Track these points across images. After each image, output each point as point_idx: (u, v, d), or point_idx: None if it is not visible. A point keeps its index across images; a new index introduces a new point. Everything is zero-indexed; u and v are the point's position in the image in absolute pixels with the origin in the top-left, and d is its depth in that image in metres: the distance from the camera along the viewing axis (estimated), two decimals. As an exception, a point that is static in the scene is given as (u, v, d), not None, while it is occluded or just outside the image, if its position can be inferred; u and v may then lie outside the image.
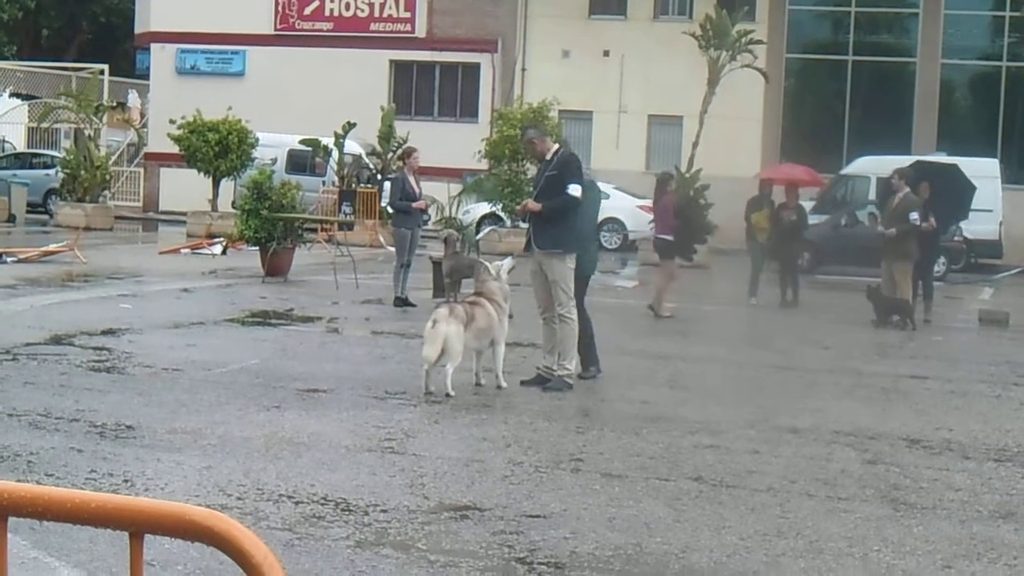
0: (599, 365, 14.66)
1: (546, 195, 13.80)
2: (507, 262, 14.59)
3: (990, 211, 32.33)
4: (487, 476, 9.68)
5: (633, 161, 43.46)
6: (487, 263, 14.89)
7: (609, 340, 17.42)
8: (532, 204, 13.95)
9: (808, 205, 30.59)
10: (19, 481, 8.02)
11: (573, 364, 13.95)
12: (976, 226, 29.21)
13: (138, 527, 2.40)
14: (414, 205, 21.32)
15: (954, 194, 23.96)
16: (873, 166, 36.21)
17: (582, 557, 7.71)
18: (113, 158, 44.23)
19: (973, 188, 24.97)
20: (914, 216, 21.36)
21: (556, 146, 14.34)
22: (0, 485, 2.50)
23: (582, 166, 14.32)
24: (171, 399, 12.11)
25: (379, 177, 37.79)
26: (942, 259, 30.00)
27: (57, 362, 14.00)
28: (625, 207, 39.16)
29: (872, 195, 35.70)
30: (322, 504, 8.62)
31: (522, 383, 13.82)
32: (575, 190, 13.64)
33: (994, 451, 11.57)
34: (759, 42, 37.09)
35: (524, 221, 14.85)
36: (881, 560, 7.93)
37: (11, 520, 2.55)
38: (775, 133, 44.27)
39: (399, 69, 46.79)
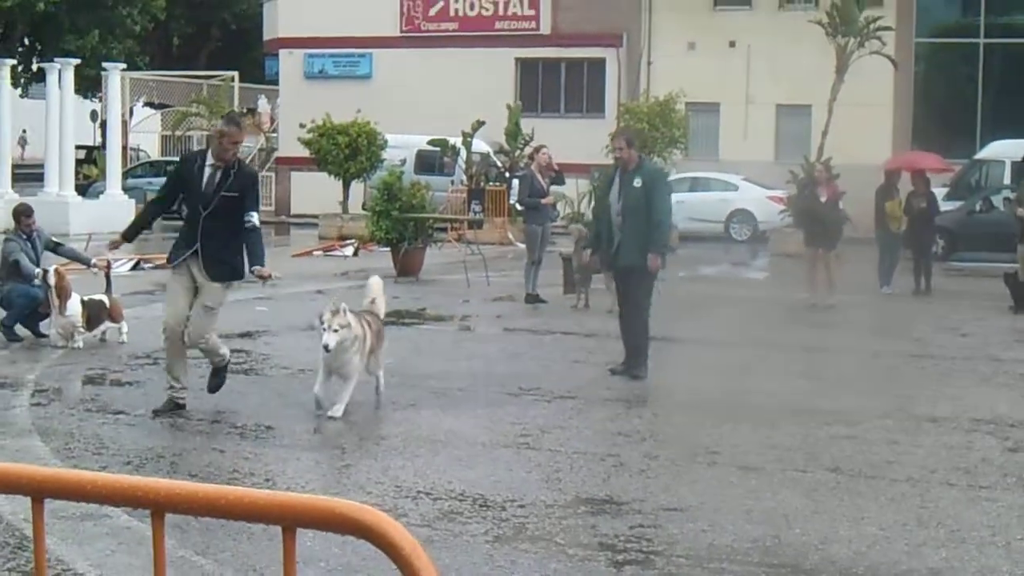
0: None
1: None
2: None
3: None
4: (623, 470, 9.71)
5: (762, 151, 43.13)
6: None
7: (742, 331, 17.39)
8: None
9: (941, 192, 30.19)
10: (165, 482, 8.21)
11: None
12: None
13: (289, 522, 2.47)
14: (543, 201, 21.40)
15: None
16: (1007, 150, 35.59)
17: (720, 549, 7.71)
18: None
19: None
20: (1052, 199, 21.04)
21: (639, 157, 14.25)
22: (155, 483, 2.58)
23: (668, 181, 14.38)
24: (309, 399, 12.25)
25: (507, 175, 37.89)
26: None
27: (196, 365, 14.22)
28: (755, 198, 38.93)
29: (1007, 179, 35.14)
30: (460, 500, 8.70)
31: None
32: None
33: None
34: (887, 28, 36.59)
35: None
36: (1025, 549, 7.84)
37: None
38: (906, 119, 43.67)
39: (525, 67, 46.86)
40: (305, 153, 38.48)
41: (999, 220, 29.20)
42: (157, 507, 2.56)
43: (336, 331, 11.32)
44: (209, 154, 11.44)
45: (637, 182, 13.77)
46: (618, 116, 38.62)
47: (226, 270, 11.49)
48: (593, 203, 14.79)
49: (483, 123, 37.21)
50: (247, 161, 44.13)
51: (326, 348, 11.33)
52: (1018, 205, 22.53)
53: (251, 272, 11.54)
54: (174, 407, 11.58)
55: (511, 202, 34.75)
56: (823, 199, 22.40)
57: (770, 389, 13.47)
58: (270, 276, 11.83)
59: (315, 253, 30.80)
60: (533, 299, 20.93)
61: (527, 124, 38.10)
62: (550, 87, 46.77)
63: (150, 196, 40.07)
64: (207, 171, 11.32)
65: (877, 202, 24.72)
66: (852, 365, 15.52)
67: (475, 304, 21.12)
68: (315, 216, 39.70)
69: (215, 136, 11.61)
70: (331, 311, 11.45)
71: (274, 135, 49.99)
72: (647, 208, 13.69)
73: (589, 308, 19.72)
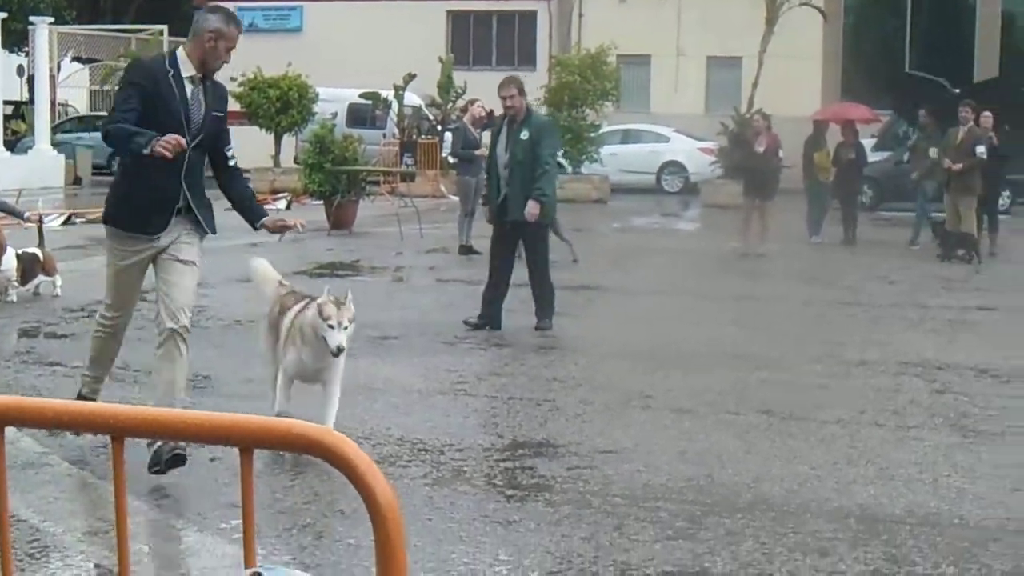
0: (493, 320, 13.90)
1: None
2: None
3: (1054, 142, 32.03)
4: (559, 415, 9.85)
5: (692, 104, 43.36)
6: None
7: (674, 280, 17.58)
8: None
9: (870, 142, 30.48)
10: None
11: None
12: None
13: (248, 442, 2.56)
14: (476, 152, 21.50)
15: None
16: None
17: (655, 489, 7.86)
18: (175, 117, 44.46)
19: None
20: (980, 149, 21.34)
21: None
22: (115, 409, 2.67)
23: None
24: (245, 350, 12.30)
25: (439, 128, 37.92)
26: (1006, 192, 29.81)
27: (133, 317, 14.23)
28: (686, 150, 39.17)
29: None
30: (399, 445, 8.81)
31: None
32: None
33: (1063, 378, 11.62)
34: (816, -21, 36.85)
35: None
36: (951, 485, 8.04)
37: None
38: (835, 71, 44.01)
39: (456, 20, 46.81)
40: (236, 107, 38.27)
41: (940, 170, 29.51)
42: (117, 431, 2.64)
43: (346, 328, 8.76)
44: (184, 63, 8.05)
45: (524, 134, 13.40)
46: (550, 69, 38.66)
47: (212, 216, 8.36)
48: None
49: (414, 76, 37.21)
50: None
51: (338, 351, 8.67)
52: (914, 153, 23.17)
53: (259, 226, 8.47)
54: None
55: (443, 155, 34.82)
56: (761, 149, 22.62)
57: (702, 336, 13.64)
58: (295, 226, 8.72)
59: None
60: (467, 250, 21.03)
61: (459, 77, 38.13)
62: (482, 40, 46.78)
63: (80, 152, 40.08)
64: (187, 86, 8.02)
65: (805, 153, 25.02)
66: (783, 312, 15.74)
67: (409, 256, 21.20)
68: (247, 170, 39.42)
69: (207, 38, 7.97)
70: (333, 302, 8.77)
71: (204, 89, 49.58)
72: (533, 161, 13.34)
73: (522, 258, 19.80)
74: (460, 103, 34.13)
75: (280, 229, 8.58)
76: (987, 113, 22.19)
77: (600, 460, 8.48)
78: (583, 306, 15.62)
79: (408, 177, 33.29)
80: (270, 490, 7.50)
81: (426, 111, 39.76)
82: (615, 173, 37.08)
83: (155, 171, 7.82)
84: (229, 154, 8.41)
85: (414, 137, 38.28)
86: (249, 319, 14.09)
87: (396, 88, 37.34)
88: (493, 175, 13.84)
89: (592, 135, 35.78)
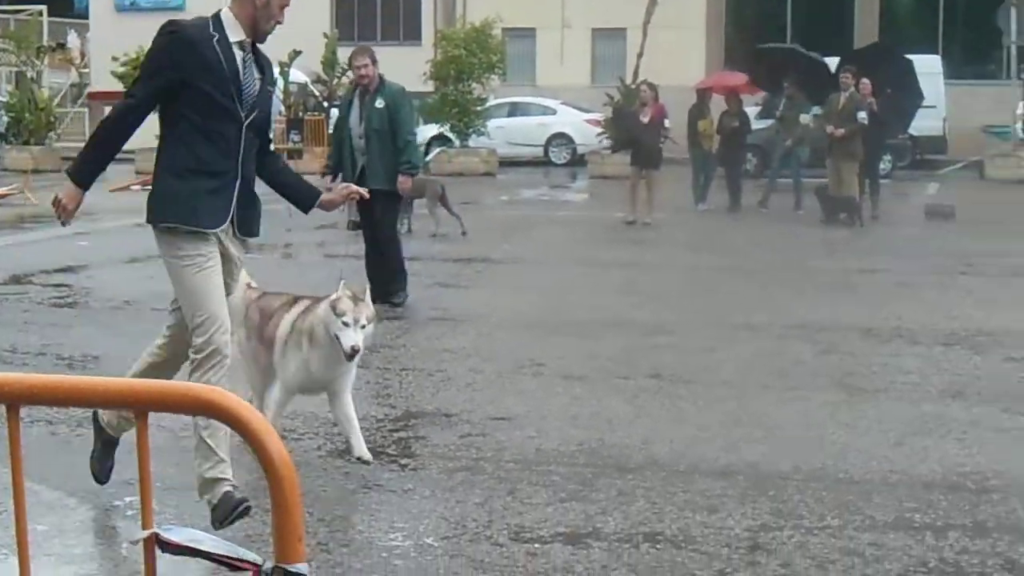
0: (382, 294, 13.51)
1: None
2: None
3: (934, 107, 32.61)
4: (451, 384, 9.94)
5: (579, 76, 43.55)
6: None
7: (563, 251, 17.71)
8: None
9: (754, 111, 30.82)
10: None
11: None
12: (920, 122, 29.65)
13: (143, 406, 2.61)
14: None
15: (907, 93, 24.64)
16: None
17: (547, 453, 7.98)
18: (57, 99, 43.94)
19: (921, 99, 25.53)
20: (862, 115, 21.70)
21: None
22: (13, 377, 2.70)
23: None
24: (134, 330, 12.21)
25: (325, 104, 37.77)
26: (887, 156, 30.31)
27: (19, 300, 14.13)
28: (573, 122, 39.34)
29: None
30: (291, 419, 8.82)
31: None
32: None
33: (942, 336, 11.91)
34: (698, -50, 37.14)
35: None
36: (836, 441, 8.24)
37: None
38: (718, 41, 44.38)
39: (340, -6, 46.60)
40: (120, 87, 37.81)
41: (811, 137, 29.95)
42: (12, 400, 2.67)
43: (364, 327, 7.65)
44: (232, 26, 6.65)
45: (379, 103, 13.36)
46: (435, 43, 38.63)
47: (259, 218, 7.08)
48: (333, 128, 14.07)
49: (299, 53, 36.99)
50: (55, 98, 43.24)
51: (352, 353, 7.55)
52: (783, 123, 23.72)
53: (315, 207, 7.51)
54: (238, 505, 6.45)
55: (330, 131, 34.67)
56: (646, 120, 22.78)
57: (592, 304, 13.79)
58: (358, 192, 7.65)
59: (133, 187, 30.37)
60: (355, 226, 20.94)
61: (344, 53, 37.91)
62: (366, 15, 46.62)
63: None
64: (237, 53, 6.65)
65: (690, 121, 25.27)
66: (670, 279, 15.94)
67: (297, 233, 21.05)
68: (132, 151, 39.10)
69: None
70: (350, 297, 7.79)
71: (86, 70, 49.03)
72: (391, 130, 13.28)
73: (412, 233, 19.85)
74: (345, 79, 34.00)
75: (344, 198, 7.64)
76: (865, 80, 22.54)
77: (492, 427, 8.58)
78: (473, 278, 15.72)
79: (295, 154, 33.17)
80: (159, 467, 7.48)
81: (312, 88, 39.56)
82: (503, 146, 37.18)
83: (206, 149, 6.62)
84: (271, 136, 7.30)
85: (300, 114, 38.09)
86: (136, 300, 14.04)
87: (281, 65, 37.02)
88: (347, 147, 13.63)
89: (479, 108, 35.85)
